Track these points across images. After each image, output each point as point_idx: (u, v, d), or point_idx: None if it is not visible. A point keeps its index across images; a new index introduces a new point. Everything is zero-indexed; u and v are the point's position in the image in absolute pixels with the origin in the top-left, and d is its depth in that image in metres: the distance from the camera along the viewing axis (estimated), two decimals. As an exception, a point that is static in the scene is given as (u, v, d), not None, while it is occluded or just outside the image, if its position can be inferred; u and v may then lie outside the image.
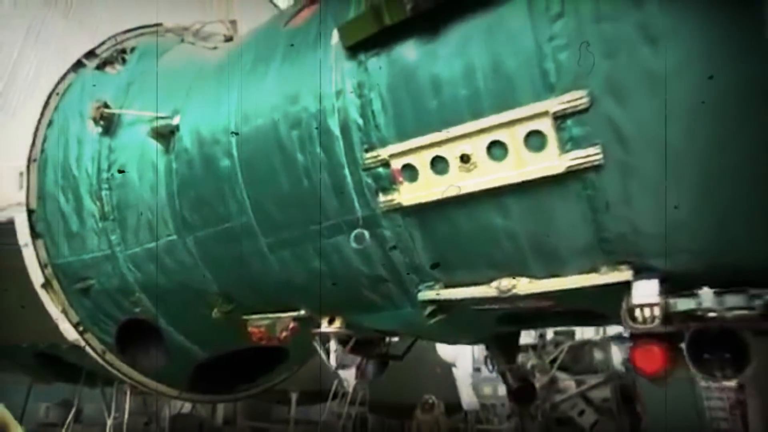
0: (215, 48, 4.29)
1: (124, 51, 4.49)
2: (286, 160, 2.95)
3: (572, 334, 8.08)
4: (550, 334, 8.12)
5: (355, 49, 2.57)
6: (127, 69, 4.31)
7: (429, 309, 2.77)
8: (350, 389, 10.20)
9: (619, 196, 2.01)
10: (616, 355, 7.58)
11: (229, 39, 4.50)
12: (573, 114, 1.98)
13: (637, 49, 1.86)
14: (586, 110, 1.96)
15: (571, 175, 2.03)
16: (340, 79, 2.65)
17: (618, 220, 2.05)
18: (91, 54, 4.55)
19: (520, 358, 8.73)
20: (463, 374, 10.48)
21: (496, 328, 3.15)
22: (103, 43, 4.65)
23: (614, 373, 7.23)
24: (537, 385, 6.84)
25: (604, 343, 7.60)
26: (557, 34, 2.00)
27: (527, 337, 8.28)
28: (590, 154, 1.98)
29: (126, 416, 5.44)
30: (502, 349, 3.59)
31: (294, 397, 11.14)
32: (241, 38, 4.07)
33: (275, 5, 19.50)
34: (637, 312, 2.09)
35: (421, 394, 9.21)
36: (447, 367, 10.87)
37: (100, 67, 4.40)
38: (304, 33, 3.05)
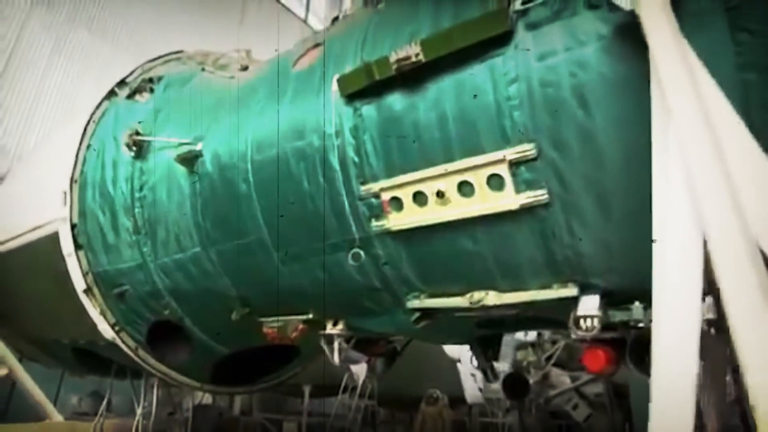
0: (232, 77, 4.78)
1: (151, 80, 5.01)
2: (294, 187, 3.43)
3: (569, 332, 8.45)
4: (548, 332, 8.52)
5: (351, 97, 3.04)
6: (154, 97, 4.83)
7: (416, 315, 3.24)
8: (359, 383, 10.73)
9: (563, 227, 2.45)
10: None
11: (244, 68, 4.98)
12: (525, 162, 2.42)
13: (574, 111, 2.30)
14: (535, 159, 2.41)
15: (525, 210, 2.48)
16: (339, 122, 3.12)
17: (563, 247, 2.50)
18: (122, 83, 5.09)
19: (519, 354, 9.18)
20: (466, 369, 10.93)
21: (477, 331, 3.61)
22: (131, 72, 5.18)
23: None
24: (531, 380, 7.25)
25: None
26: (512, 96, 2.44)
27: (527, 335, 8.70)
28: (538, 195, 2.42)
29: (155, 406, 6.01)
30: (484, 348, 4.04)
31: (307, 390, 11.73)
32: (255, 71, 4.54)
33: (309, 27, 20.04)
34: (581, 321, 2.53)
35: (427, 388, 9.70)
36: (452, 363, 11.34)
37: (131, 95, 4.93)
38: (310, 76, 3.52)
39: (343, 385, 10.87)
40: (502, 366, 7.88)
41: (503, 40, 2.47)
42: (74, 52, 12.76)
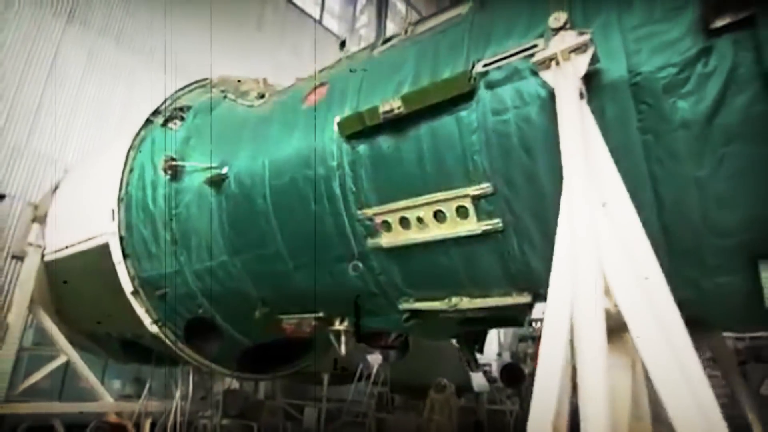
0: (251, 106, 5.44)
1: (181, 109, 5.73)
2: (304, 208, 4.08)
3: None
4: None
5: (349, 137, 3.67)
6: (185, 125, 5.54)
7: (406, 315, 3.88)
8: (373, 372, 11.49)
9: (516, 248, 3.05)
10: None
11: (261, 96, 5.63)
12: (484, 196, 3.02)
13: (521, 157, 2.88)
14: (492, 194, 3.00)
15: (485, 234, 3.08)
16: (340, 156, 3.75)
17: (517, 263, 3.09)
18: (156, 112, 5.82)
19: (520, 346, 9.73)
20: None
21: (459, 328, 4.23)
22: (164, 101, 5.91)
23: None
24: (527, 370, 7.81)
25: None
26: (474, 143, 3.03)
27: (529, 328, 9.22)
28: (495, 223, 3.03)
29: (191, 390, 6.84)
30: (469, 342, 4.66)
31: (326, 378, 12.60)
32: (271, 102, 5.17)
33: (324, 27, 20.62)
34: (534, 323, 3.13)
35: (435, 377, 10.37)
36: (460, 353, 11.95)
37: (164, 123, 5.66)
38: (321, 112, 4.15)
39: (358, 373, 11.66)
40: (504, 356, 8.41)
41: (467, 97, 3.05)
42: (104, 63, 13.67)
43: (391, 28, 27.34)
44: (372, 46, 4.38)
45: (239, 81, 6.20)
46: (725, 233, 2.44)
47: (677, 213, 2.52)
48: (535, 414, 2.08)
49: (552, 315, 2.22)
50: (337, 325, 4.53)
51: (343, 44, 5.87)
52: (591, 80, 2.55)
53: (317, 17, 21.81)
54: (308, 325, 4.77)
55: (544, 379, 2.10)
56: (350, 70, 4.18)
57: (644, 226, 2.53)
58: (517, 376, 7.18)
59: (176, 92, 6.04)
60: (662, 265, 2.48)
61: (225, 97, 5.78)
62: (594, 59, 2.48)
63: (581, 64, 2.42)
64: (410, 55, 3.63)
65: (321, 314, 4.59)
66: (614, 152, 2.53)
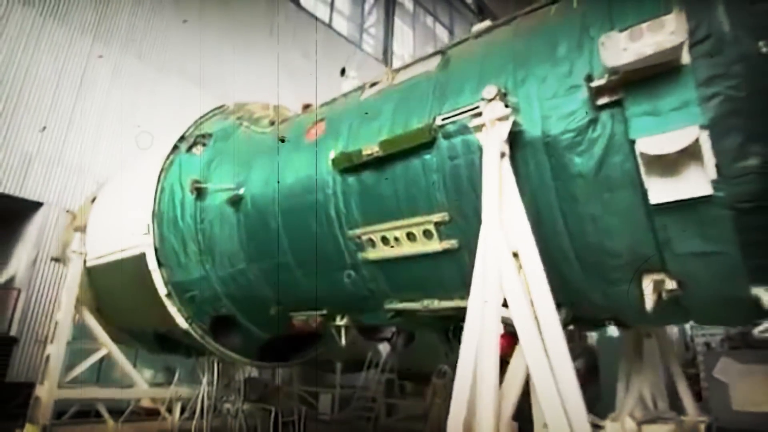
0: (264, 132, 6.32)
1: (203, 136, 6.65)
2: (307, 226, 4.94)
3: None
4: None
5: (341, 170, 4.52)
6: (206, 151, 6.46)
7: (391, 314, 4.76)
8: (381, 360, 12.44)
9: (468, 262, 3.85)
10: (593, 336, 9.26)
11: (272, 123, 6.50)
12: (443, 223, 3.85)
13: (470, 193, 3.70)
14: (449, 222, 3.83)
15: (445, 252, 3.92)
16: (334, 185, 4.61)
17: (470, 274, 3.93)
18: (182, 138, 6.75)
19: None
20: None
21: (436, 322, 5.08)
22: (188, 128, 6.84)
23: (585, 348, 8.93)
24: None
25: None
26: (435, 181, 3.86)
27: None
28: (452, 243, 3.86)
29: (216, 378, 7.85)
30: (445, 334, 5.52)
31: (339, 366, 13.64)
32: (280, 131, 6.04)
33: (334, 30, 21.29)
34: (486, 321, 3.96)
35: (438, 364, 11.25)
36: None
37: (189, 149, 6.59)
38: (319, 147, 5.01)
39: (367, 361, 12.64)
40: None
41: (429, 144, 3.88)
42: (127, 76, 14.70)
43: (398, 24, 27.99)
44: (362, 89, 5.20)
45: (249, 107, 7.09)
46: (616, 255, 3.24)
47: (582, 240, 3.33)
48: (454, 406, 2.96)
49: (468, 330, 3.08)
50: (338, 321, 5.43)
51: (343, 71, 6.72)
52: (517, 138, 3.37)
53: (327, 20, 22.58)
54: (314, 321, 5.68)
55: (462, 377, 2.97)
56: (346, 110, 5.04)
57: (561, 249, 3.37)
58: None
59: (198, 119, 6.96)
60: (577, 279, 3.33)
61: (241, 124, 6.68)
62: (516, 124, 3.29)
63: (504, 130, 3.23)
64: (389, 104, 4.46)
65: (324, 312, 5.50)
66: (535, 192, 3.36)
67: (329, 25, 22.64)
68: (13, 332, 11.35)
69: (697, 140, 2.69)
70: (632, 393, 4.86)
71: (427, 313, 4.42)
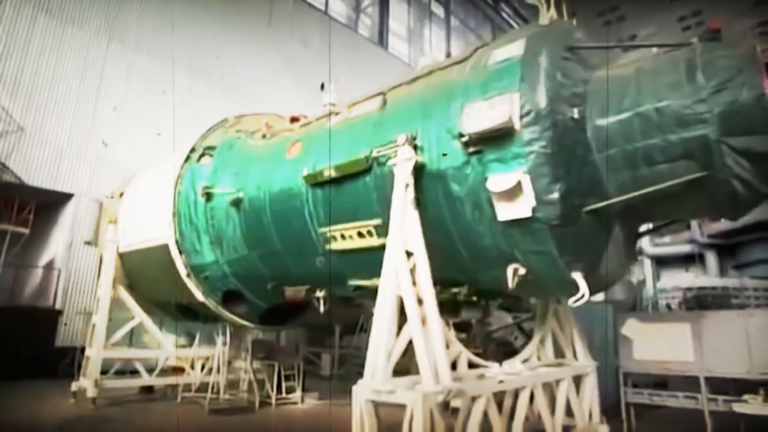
0: (257, 146, 7.87)
1: (210, 148, 8.24)
2: (290, 224, 6.56)
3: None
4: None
5: (311, 184, 6.10)
6: (213, 161, 8.06)
7: (352, 288, 6.41)
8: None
9: (399, 253, 5.48)
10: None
11: (264, 136, 8.03)
12: (379, 227, 5.43)
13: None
14: (382, 226, 5.39)
15: (382, 246, 5.47)
16: (306, 194, 6.20)
17: (401, 261, 5.54)
18: (192, 150, 8.35)
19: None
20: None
21: (389, 295, 6.74)
22: (197, 141, 8.43)
23: (537, 311, 10.55)
24: (473, 321, 10.31)
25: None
26: (372, 197, 5.41)
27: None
28: (386, 240, 5.46)
29: (228, 340, 9.70)
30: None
31: (338, 329, 15.58)
32: (270, 147, 7.57)
33: (330, 17, 22.23)
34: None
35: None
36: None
37: (198, 159, 8.19)
38: (294, 164, 6.56)
39: (359, 325, 14.53)
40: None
41: (368, 170, 5.42)
42: (140, 73, 16.15)
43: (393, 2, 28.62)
44: (330, 118, 6.71)
45: (246, 118, 8.63)
46: (488, 251, 4.81)
47: (467, 240, 4.89)
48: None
49: (381, 300, 4.70)
50: (317, 293, 7.13)
51: (322, 86, 8.19)
52: (421, 169, 4.90)
53: (323, 8, 23.45)
54: (301, 294, 7.39)
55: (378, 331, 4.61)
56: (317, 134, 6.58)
57: (455, 246, 4.94)
58: (464, 325, 9.78)
59: (205, 132, 8.55)
60: (468, 266, 4.92)
61: (239, 137, 8.24)
62: (419, 161, 4.82)
63: (409, 167, 4.77)
64: (345, 134, 5.98)
65: (307, 287, 7.19)
66: (432, 206, 4.91)
67: (325, 12, 23.53)
68: (57, 306, 13.37)
69: (520, 181, 4.21)
70: (532, 346, 6.52)
71: (375, 287, 6.06)
